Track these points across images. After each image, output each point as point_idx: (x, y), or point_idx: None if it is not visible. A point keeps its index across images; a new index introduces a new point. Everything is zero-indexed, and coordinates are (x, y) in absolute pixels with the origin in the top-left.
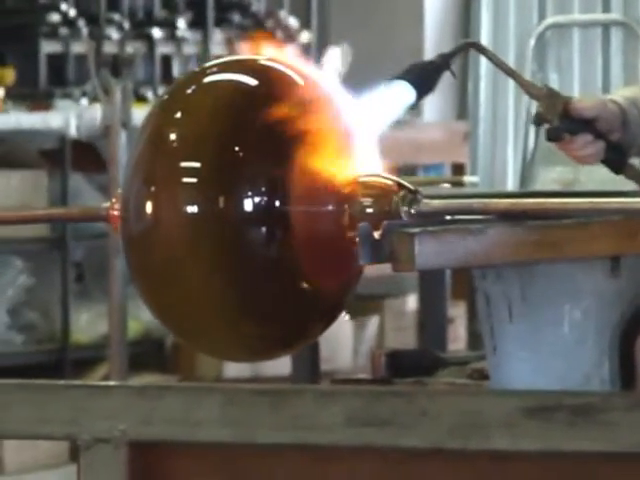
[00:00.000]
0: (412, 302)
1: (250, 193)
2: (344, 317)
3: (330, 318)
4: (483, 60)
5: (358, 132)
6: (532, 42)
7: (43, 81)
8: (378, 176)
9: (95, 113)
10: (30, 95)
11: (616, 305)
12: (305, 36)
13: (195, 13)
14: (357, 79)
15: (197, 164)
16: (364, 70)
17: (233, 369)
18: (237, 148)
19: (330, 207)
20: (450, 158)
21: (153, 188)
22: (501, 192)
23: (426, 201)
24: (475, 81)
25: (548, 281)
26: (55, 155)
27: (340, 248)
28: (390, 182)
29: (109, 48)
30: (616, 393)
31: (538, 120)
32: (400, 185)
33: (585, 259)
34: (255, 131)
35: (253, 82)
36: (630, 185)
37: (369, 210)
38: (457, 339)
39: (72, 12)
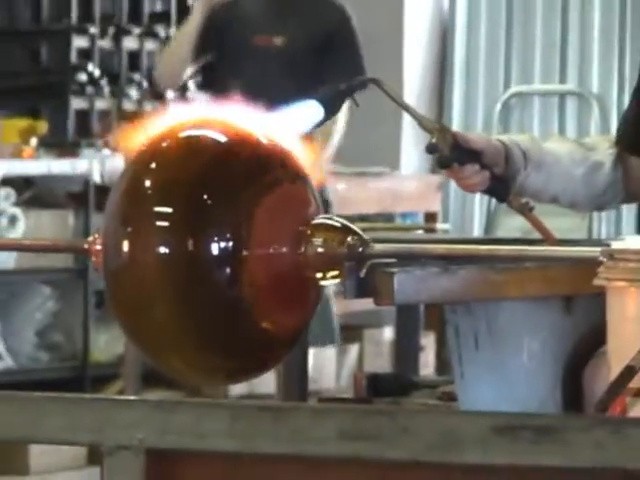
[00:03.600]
0: (388, 332)
1: (215, 237)
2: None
3: (287, 349)
4: (455, 118)
5: (310, 183)
6: (498, 108)
7: (71, 132)
8: (331, 222)
9: (116, 161)
10: (59, 144)
11: (569, 338)
12: None
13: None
14: (340, 142)
15: (169, 209)
16: (347, 135)
17: (232, 386)
18: (205, 197)
19: (288, 250)
20: (424, 207)
21: (129, 229)
22: (459, 239)
23: (373, 245)
24: None
25: (511, 316)
26: (80, 197)
27: (297, 287)
28: (341, 227)
29: (129, 105)
30: (573, 415)
31: (431, 149)
32: (350, 230)
33: (543, 298)
34: (221, 182)
35: (222, 139)
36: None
37: (322, 252)
38: (427, 365)
39: (97, 72)
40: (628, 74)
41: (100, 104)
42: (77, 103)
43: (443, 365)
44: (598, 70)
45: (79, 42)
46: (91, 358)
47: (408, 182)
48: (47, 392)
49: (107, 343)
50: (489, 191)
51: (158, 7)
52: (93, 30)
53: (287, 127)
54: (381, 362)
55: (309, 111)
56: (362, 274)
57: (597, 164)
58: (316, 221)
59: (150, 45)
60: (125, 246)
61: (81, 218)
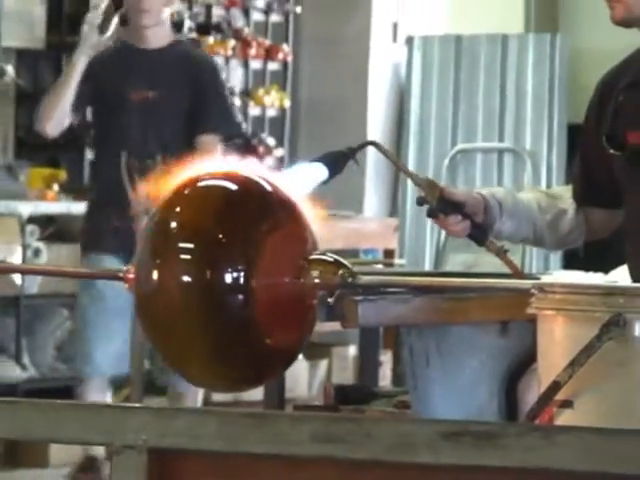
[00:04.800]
0: (353, 350)
1: (229, 268)
2: (302, 359)
3: (289, 362)
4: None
5: (309, 223)
6: (446, 162)
7: (87, 179)
8: (324, 256)
9: None
10: (77, 189)
11: (505, 357)
12: (279, 151)
13: None
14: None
15: (191, 245)
16: (321, 184)
17: (218, 395)
18: (221, 235)
19: (289, 279)
20: (384, 245)
21: (158, 260)
22: (418, 272)
23: (360, 276)
24: (403, 187)
25: (456, 338)
26: None
27: (297, 311)
28: (333, 261)
29: None
30: (509, 423)
31: (420, 202)
32: (340, 263)
33: (483, 323)
34: (234, 223)
35: (234, 187)
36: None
37: (318, 282)
38: (385, 378)
39: None
40: (556, 134)
41: None
42: (91, 155)
43: (398, 378)
44: (531, 131)
45: None
46: None
47: (370, 223)
48: (64, 398)
49: None
50: (470, 236)
51: None
52: None
53: (294, 186)
54: (346, 375)
55: (314, 172)
56: (332, 302)
57: (562, 211)
58: (313, 256)
59: None
60: (154, 275)
61: None
